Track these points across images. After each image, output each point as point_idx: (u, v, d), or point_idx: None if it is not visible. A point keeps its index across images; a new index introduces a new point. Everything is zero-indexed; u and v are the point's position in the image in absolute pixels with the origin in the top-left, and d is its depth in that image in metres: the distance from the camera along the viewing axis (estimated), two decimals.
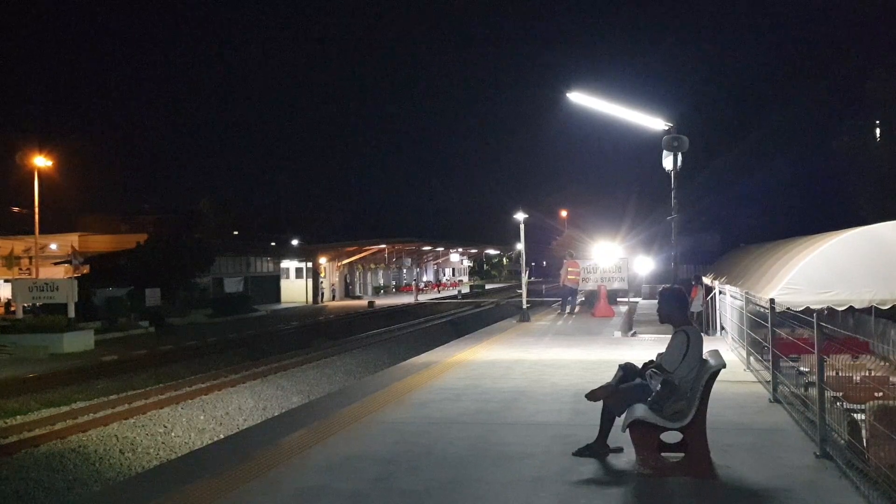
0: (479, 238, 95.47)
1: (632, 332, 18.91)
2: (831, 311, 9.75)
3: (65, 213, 63.92)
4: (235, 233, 71.31)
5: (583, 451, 6.71)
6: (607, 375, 7.28)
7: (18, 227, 49.62)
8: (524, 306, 25.36)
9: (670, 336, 6.49)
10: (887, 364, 8.80)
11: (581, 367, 12.86)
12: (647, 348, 14.37)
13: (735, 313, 14.38)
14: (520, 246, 28.33)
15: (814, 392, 6.86)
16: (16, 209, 47.30)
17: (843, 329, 10.30)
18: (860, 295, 9.19)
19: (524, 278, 27.61)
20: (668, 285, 10.67)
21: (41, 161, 39.35)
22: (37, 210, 39.35)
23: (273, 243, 61.69)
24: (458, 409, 9.26)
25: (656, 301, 6.85)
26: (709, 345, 6.63)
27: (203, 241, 49.52)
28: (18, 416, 14.87)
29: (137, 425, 14.37)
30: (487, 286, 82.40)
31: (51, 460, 12.04)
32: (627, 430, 6.22)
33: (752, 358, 11.82)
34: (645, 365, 6.67)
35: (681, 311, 6.66)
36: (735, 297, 14.20)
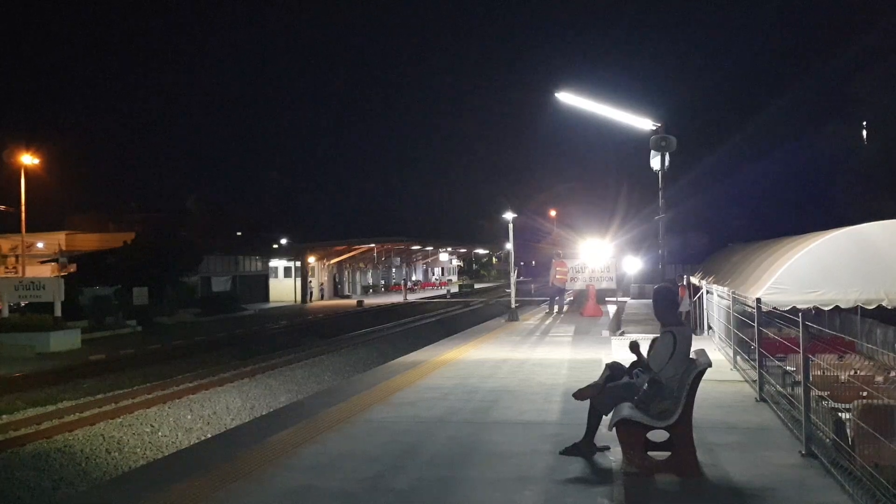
0: (469, 237, 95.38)
1: (620, 331, 18.96)
2: (817, 310, 9.80)
3: (52, 212, 63.38)
4: (224, 232, 70.99)
5: (570, 450, 6.73)
6: (595, 374, 7.31)
7: (5, 225, 49.24)
8: (513, 305, 25.43)
9: (657, 336, 6.51)
10: (873, 363, 8.86)
11: (569, 366, 12.92)
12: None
13: (722, 313, 14.45)
14: (509, 245, 28.37)
15: (800, 391, 6.91)
16: (2, 207, 46.86)
17: (830, 329, 10.35)
18: (846, 295, 9.25)
19: (513, 278, 27.66)
20: (662, 284, 10.67)
21: (28, 159, 39.07)
22: (23, 208, 39.01)
23: (261, 242, 61.47)
24: (445, 408, 9.27)
25: (646, 300, 6.89)
26: (696, 344, 6.66)
27: (191, 240, 49.24)
28: (4, 416, 14.75)
29: (124, 425, 14.29)
30: (477, 285, 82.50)
31: (37, 460, 11.95)
32: (614, 428, 6.24)
33: (738, 357, 11.88)
34: (632, 364, 6.70)
35: (669, 311, 6.66)
36: (722, 297, 14.26)
